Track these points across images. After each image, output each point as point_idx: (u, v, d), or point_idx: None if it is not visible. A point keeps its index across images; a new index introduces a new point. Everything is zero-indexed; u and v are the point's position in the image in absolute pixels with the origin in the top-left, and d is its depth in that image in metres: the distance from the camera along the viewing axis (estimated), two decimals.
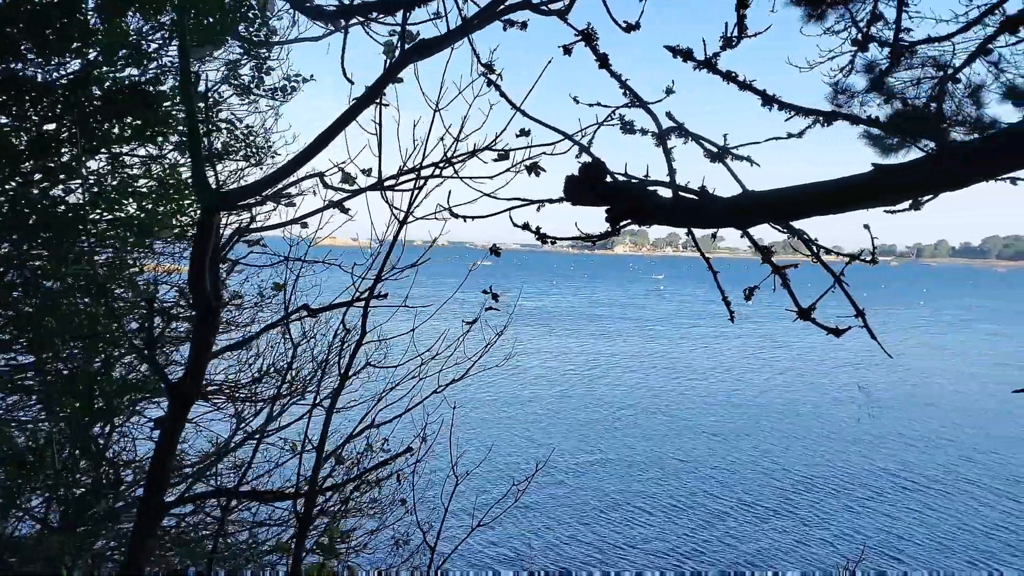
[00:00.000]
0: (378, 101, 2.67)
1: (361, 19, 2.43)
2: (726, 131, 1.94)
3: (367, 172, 3.43)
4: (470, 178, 2.84)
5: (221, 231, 2.83)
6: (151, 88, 4.65)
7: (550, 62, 2.15)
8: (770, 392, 31.39)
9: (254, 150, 5.33)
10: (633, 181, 1.99)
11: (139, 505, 2.40)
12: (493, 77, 2.50)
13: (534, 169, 2.73)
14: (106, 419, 4.08)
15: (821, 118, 1.59)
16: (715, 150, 1.73)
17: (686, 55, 1.59)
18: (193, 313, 3.37)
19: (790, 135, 1.69)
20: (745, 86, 1.61)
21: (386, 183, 2.74)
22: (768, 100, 1.63)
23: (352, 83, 3.32)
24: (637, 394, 30.47)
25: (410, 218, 4.16)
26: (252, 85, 5.19)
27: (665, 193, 1.93)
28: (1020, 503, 18.47)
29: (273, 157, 5.38)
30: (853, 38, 5.21)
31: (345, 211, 4.26)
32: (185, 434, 6.82)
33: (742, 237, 2.15)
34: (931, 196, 1.44)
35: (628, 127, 1.76)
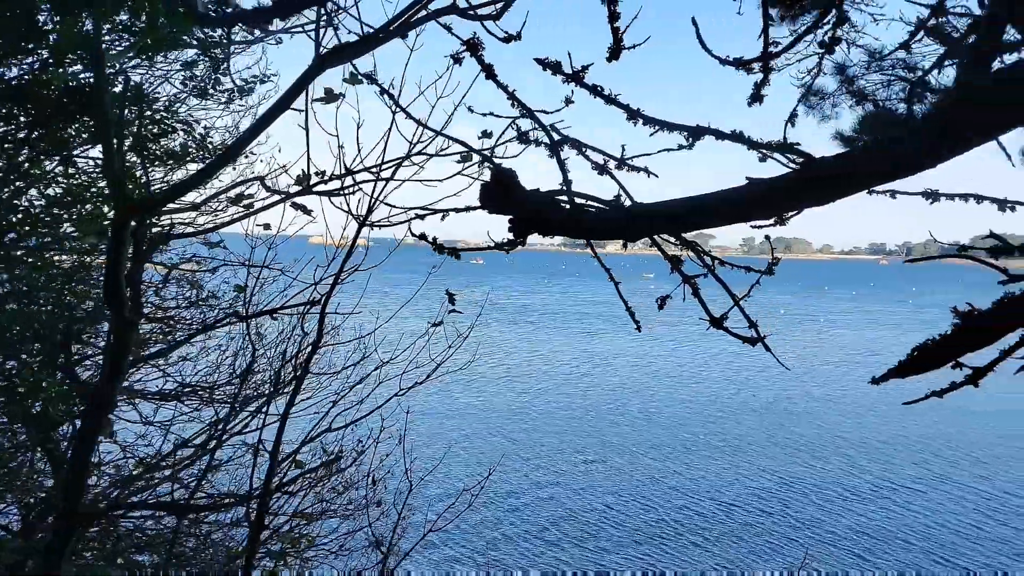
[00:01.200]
0: (322, 104, 2.64)
1: (270, 24, 2.40)
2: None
3: (321, 174, 3.41)
4: (401, 180, 2.82)
5: (147, 236, 2.79)
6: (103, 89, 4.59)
7: (449, 69, 2.12)
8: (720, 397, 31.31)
9: (211, 152, 5.28)
10: (540, 191, 1.98)
11: (53, 518, 2.36)
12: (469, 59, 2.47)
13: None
14: (42, 426, 4.03)
15: (687, 132, 1.58)
16: (601, 162, 1.72)
17: (555, 68, 1.58)
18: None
19: (681, 147, 1.68)
20: (610, 100, 1.59)
21: (314, 185, 2.71)
22: (633, 115, 1.62)
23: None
24: (585, 393, 30.37)
25: (368, 221, 4.15)
26: (208, 86, 5.14)
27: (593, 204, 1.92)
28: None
29: (241, 158, 5.33)
30: (820, 40, 5.22)
31: (307, 212, 4.23)
32: (147, 439, 6.77)
33: (651, 247, 2.14)
34: (795, 212, 1.43)
35: (523, 137, 1.74)
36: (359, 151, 3.24)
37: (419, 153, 2.71)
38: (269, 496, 5.15)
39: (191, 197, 5.50)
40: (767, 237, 1.85)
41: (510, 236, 1.91)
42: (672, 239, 2.12)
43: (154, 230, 5.39)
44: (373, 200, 3.94)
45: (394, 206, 2.59)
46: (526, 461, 20.55)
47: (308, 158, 2.73)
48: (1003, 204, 1.73)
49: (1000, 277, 1.33)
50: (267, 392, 5.48)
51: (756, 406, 28.93)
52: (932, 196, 1.69)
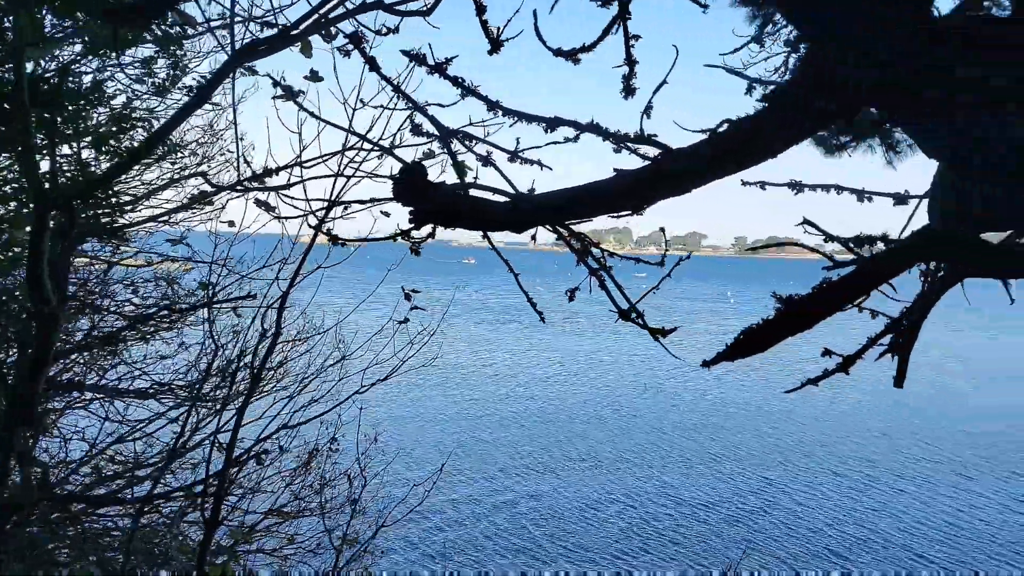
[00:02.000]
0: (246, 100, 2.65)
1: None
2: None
3: (275, 171, 3.42)
4: (348, 175, 2.83)
5: (73, 229, 2.79)
6: (62, 85, 4.59)
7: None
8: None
9: (173, 150, 5.28)
10: (446, 184, 2.00)
11: None
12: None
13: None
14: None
15: (545, 124, 1.61)
16: (484, 155, 1.75)
17: (420, 60, 1.61)
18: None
19: (567, 139, 1.72)
20: (470, 91, 1.63)
21: (248, 180, 2.73)
22: (492, 106, 1.65)
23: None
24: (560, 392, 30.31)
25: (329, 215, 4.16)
26: (167, 83, 5.14)
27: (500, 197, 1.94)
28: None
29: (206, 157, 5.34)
30: (787, 39, 5.29)
31: (270, 209, 4.24)
32: (114, 436, 6.75)
33: (558, 240, 2.17)
34: (657, 200, 1.46)
35: (416, 130, 1.77)
36: (302, 148, 3.27)
37: (338, 152, 2.73)
38: (224, 492, 5.16)
39: (150, 191, 5.51)
40: (661, 229, 1.89)
41: (411, 227, 1.94)
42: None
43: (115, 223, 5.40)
44: (332, 199, 3.97)
45: (344, 202, 2.61)
46: (485, 462, 20.48)
47: (239, 154, 2.75)
48: (861, 195, 1.77)
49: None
50: (226, 389, 5.48)
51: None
52: (797, 187, 1.73)
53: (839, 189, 1.77)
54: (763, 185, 1.75)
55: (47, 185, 2.40)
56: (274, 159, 3.53)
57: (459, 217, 1.79)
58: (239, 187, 2.75)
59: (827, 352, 1.72)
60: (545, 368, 36.35)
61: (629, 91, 1.54)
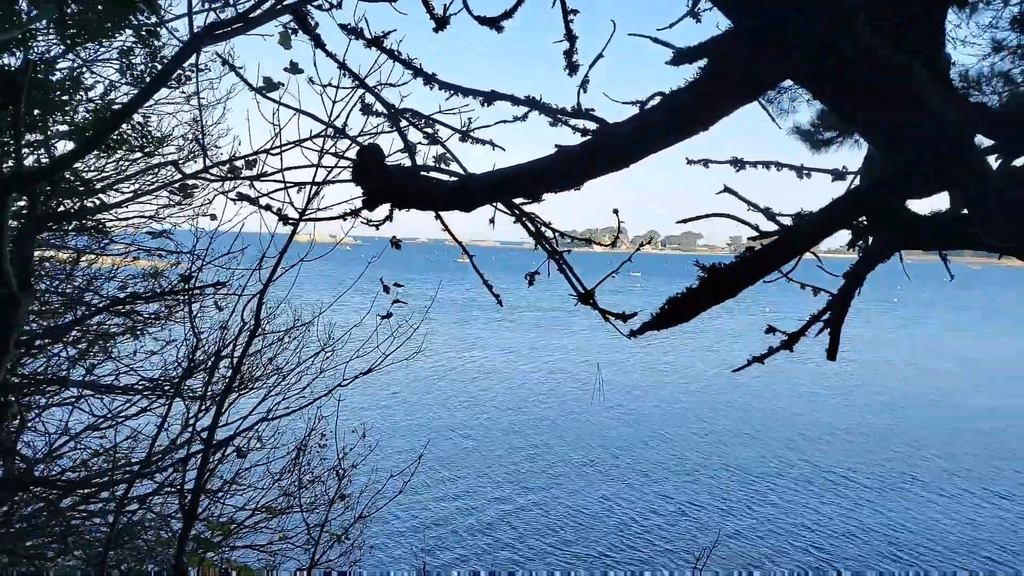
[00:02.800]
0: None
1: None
2: None
3: (242, 159, 3.40)
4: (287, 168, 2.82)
5: (38, 213, 2.77)
6: (37, 74, 4.57)
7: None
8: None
9: (152, 141, 5.26)
10: (402, 166, 2.00)
11: None
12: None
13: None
14: None
15: (482, 98, 1.61)
16: (430, 132, 1.75)
17: (357, 34, 1.61)
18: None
19: (515, 118, 1.72)
20: (406, 64, 1.63)
21: (210, 168, 2.71)
22: (428, 80, 1.65)
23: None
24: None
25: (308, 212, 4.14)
26: (145, 74, 5.12)
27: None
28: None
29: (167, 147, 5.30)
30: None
31: (254, 202, 4.21)
32: (101, 432, 6.73)
33: (515, 222, 2.17)
34: (595, 175, 1.45)
35: (367, 109, 1.76)
36: (272, 137, 3.23)
37: (300, 142, 2.72)
38: (203, 484, 5.15)
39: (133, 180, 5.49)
40: (615, 211, 1.89)
41: (363, 207, 1.93)
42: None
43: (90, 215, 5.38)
44: (311, 192, 3.95)
45: (299, 183, 2.59)
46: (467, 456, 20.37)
47: (203, 135, 2.73)
48: (800, 171, 1.78)
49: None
50: (211, 383, 5.45)
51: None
52: (738, 164, 1.73)
53: (779, 166, 1.77)
54: (706, 163, 1.76)
55: (6, 168, 2.38)
56: (253, 150, 3.52)
57: (408, 197, 1.79)
58: (206, 174, 2.74)
59: (771, 329, 1.72)
60: (530, 363, 36.26)
61: (572, 67, 1.54)
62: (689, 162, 1.77)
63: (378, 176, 1.84)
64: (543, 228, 1.76)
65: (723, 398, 29.64)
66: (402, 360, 6.18)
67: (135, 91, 5.41)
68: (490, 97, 1.59)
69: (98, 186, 5.18)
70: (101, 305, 4.94)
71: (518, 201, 1.99)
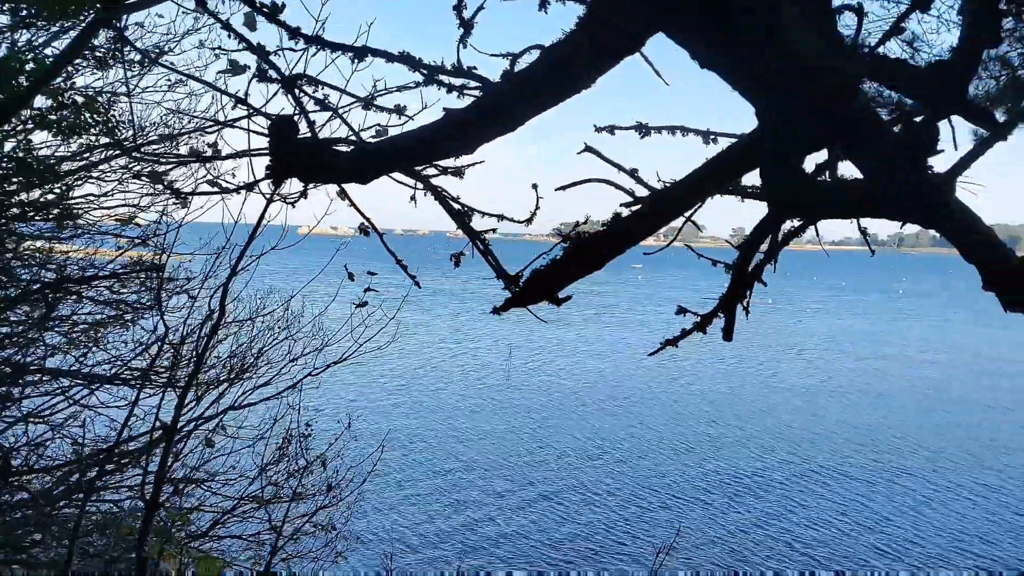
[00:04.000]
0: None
1: None
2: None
3: (162, 138, 3.29)
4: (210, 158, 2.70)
5: None
6: None
7: None
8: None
9: (108, 127, 5.13)
10: (309, 138, 1.88)
11: None
12: None
13: None
14: None
15: (353, 53, 1.49)
16: (325, 101, 1.64)
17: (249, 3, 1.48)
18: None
19: (417, 83, 1.59)
20: (266, 14, 1.50)
21: (133, 149, 2.60)
22: (293, 33, 1.52)
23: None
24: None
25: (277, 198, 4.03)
26: (108, 56, 5.00)
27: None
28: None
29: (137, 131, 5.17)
30: None
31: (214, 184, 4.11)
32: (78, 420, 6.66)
33: (425, 195, 2.04)
34: (484, 141, 1.33)
35: (263, 75, 1.64)
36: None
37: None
38: (165, 473, 5.07)
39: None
40: (534, 186, 1.77)
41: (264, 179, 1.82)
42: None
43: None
44: (199, 168, 3.84)
45: (211, 157, 2.48)
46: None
47: (132, 116, 2.62)
48: (707, 136, 1.65)
49: None
50: (170, 370, 5.36)
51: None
52: (643, 130, 1.61)
53: (684, 131, 1.65)
54: (612, 130, 1.64)
55: None
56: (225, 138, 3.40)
57: (313, 171, 1.68)
58: (115, 150, 2.63)
59: (682, 310, 1.62)
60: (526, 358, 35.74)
61: (465, 26, 1.41)
62: (597, 129, 1.66)
63: (288, 150, 1.73)
64: (452, 202, 1.65)
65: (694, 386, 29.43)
66: (376, 349, 6.09)
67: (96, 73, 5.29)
68: (361, 52, 1.47)
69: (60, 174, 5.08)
70: (53, 280, 4.85)
71: (440, 179, 1.87)
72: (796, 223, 1.66)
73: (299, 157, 1.71)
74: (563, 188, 1.59)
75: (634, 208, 1.32)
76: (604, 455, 20.15)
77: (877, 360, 37.67)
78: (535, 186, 1.74)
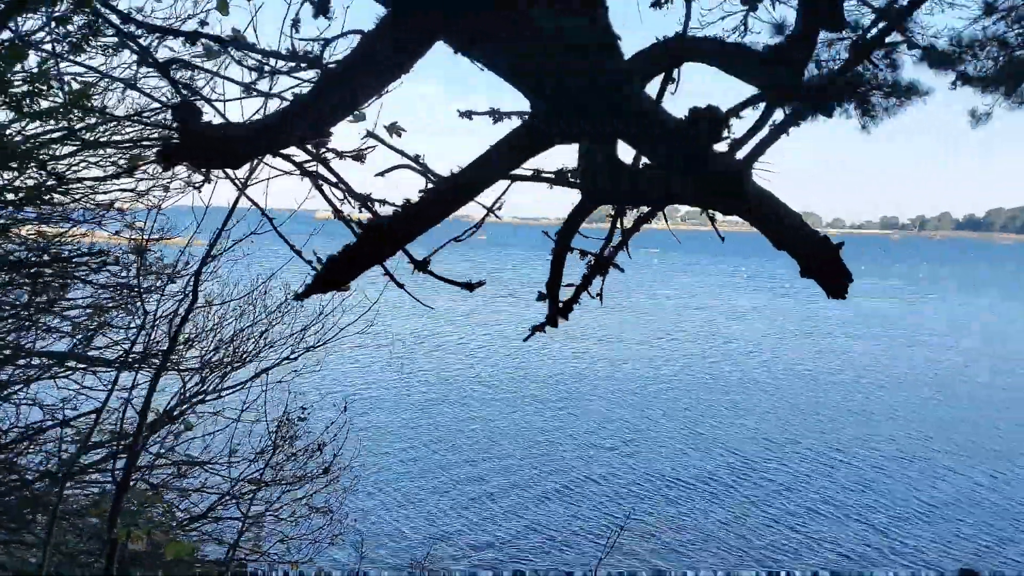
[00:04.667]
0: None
1: None
2: None
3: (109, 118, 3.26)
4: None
5: None
6: None
7: None
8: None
9: (95, 113, 5.14)
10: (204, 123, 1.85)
11: None
12: None
13: None
14: None
15: (185, 38, 1.45)
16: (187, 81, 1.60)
17: None
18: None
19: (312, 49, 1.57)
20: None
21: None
22: (125, 19, 1.47)
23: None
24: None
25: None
26: (81, 41, 4.98)
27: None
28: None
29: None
30: None
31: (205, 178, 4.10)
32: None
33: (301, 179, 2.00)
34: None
35: (151, 61, 1.61)
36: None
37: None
38: (136, 455, 5.13)
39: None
40: (428, 174, 1.73)
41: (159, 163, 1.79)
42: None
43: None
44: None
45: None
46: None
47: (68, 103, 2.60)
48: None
49: None
50: (143, 355, 5.40)
51: None
52: (496, 116, 1.56)
53: (521, 115, 1.58)
54: (470, 115, 1.59)
55: None
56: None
57: (190, 152, 1.65)
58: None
59: (543, 296, 1.58)
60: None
61: (320, 9, 1.35)
62: (460, 115, 1.61)
63: (196, 135, 1.70)
64: (332, 188, 1.61)
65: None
66: (355, 334, 6.11)
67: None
68: (193, 36, 1.43)
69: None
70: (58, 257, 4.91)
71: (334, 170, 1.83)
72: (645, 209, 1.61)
73: (182, 141, 1.69)
74: (381, 174, 1.55)
75: (424, 192, 1.28)
76: (618, 446, 19.91)
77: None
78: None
